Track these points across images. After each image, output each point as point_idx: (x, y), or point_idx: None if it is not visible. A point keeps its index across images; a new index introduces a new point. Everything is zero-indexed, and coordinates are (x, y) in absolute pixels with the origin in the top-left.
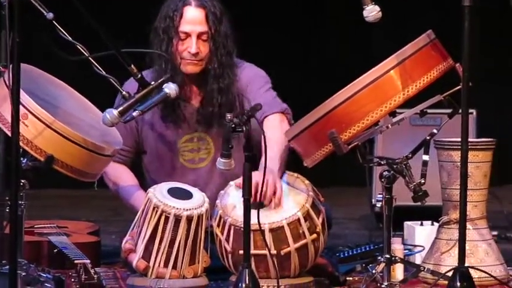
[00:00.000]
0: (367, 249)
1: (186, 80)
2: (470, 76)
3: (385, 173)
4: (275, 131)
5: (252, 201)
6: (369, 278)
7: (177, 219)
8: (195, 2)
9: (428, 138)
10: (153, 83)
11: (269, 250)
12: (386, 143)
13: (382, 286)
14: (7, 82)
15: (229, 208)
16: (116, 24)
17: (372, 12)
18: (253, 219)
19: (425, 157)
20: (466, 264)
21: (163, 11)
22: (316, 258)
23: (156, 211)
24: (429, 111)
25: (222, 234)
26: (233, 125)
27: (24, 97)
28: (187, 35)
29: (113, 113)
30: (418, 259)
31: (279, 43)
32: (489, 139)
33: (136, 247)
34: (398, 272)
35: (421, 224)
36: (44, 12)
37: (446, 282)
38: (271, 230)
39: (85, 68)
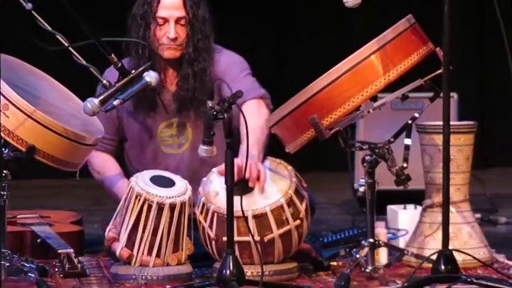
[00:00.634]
0: (351, 234)
1: (165, 66)
2: (451, 60)
3: (367, 158)
4: (254, 116)
5: (236, 182)
6: (352, 263)
7: (160, 207)
8: None
9: (410, 122)
10: (133, 71)
11: (253, 237)
12: (368, 127)
13: (366, 270)
14: None
15: (212, 195)
16: (94, 13)
17: None
18: (237, 206)
19: (408, 141)
20: (450, 247)
21: None
22: (299, 244)
23: (139, 199)
24: (410, 95)
25: (205, 221)
26: (214, 112)
27: (4, 88)
28: (165, 20)
29: (93, 102)
30: (401, 243)
31: (254, 28)
32: (471, 122)
33: (120, 236)
34: (382, 256)
35: (404, 208)
36: (23, 2)
37: (430, 265)
38: (255, 217)
39: (65, 58)
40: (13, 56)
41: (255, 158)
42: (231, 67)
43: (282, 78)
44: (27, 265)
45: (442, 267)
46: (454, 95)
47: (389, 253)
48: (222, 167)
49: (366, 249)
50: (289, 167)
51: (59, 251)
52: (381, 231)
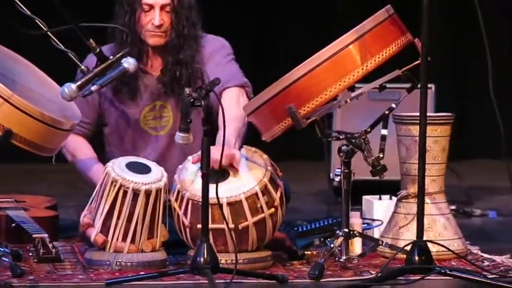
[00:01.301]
0: (326, 223)
1: (151, 52)
2: (429, 51)
3: (344, 148)
4: (233, 105)
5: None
6: (327, 252)
7: (136, 194)
8: None
9: (387, 112)
10: (111, 57)
11: (227, 224)
12: (345, 117)
13: (341, 260)
14: None
15: (188, 182)
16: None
17: None
18: (211, 194)
19: (384, 131)
20: (424, 238)
21: None
22: (274, 232)
23: (115, 185)
24: (388, 85)
25: (180, 208)
26: (192, 99)
27: None
28: (151, 6)
29: (71, 87)
30: (376, 233)
31: (235, 17)
32: (448, 114)
33: (95, 221)
34: (357, 246)
35: (380, 198)
36: None
37: (404, 256)
38: (229, 204)
39: (44, 43)
40: None
41: (231, 146)
42: (216, 52)
43: (263, 67)
44: (1, 249)
45: (416, 258)
46: (432, 86)
47: (363, 243)
48: (196, 156)
49: (341, 239)
50: (265, 156)
51: (34, 235)
52: (356, 221)
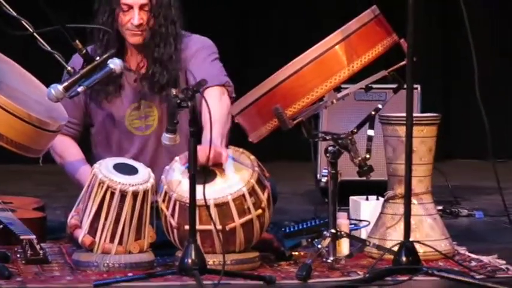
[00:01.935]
0: (313, 224)
1: (131, 50)
2: (415, 51)
3: (330, 148)
4: (216, 104)
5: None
6: (314, 253)
7: (123, 195)
8: None
9: (373, 113)
10: (97, 58)
11: (215, 225)
12: (331, 118)
13: (328, 261)
14: None
15: (175, 183)
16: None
17: None
18: (199, 195)
19: (370, 132)
20: (411, 239)
21: None
22: (261, 233)
23: (102, 186)
24: (374, 86)
25: (168, 209)
26: (178, 101)
27: None
28: (129, 6)
29: (57, 88)
30: (363, 234)
31: (219, 15)
32: (434, 114)
33: (82, 223)
34: (344, 246)
35: (367, 199)
36: None
37: (391, 256)
38: (217, 205)
39: (30, 44)
40: None
41: (217, 145)
42: (199, 51)
43: (247, 67)
44: None
45: (404, 258)
46: (418, 87)
47: (351, 244)
48: (183, 156)
49: (328, 240)
50: (252, 157)
51: (21, 237)
52: (343, 222)
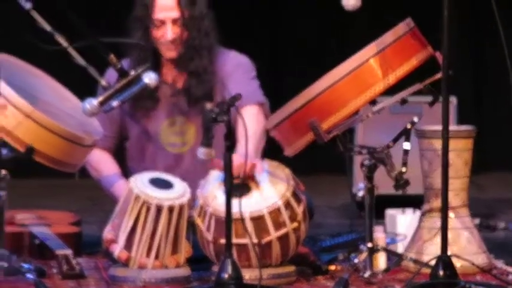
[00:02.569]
0: (349, 238)
1: (167, 64)
2: (450, 64)
3: (366, 162)
4: (252, 122)
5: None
6: (351, 267)
7: (159, 210)
8: None
9: (409, 126)
10: (132, 72)
11: (250, 239)
12: (366, 131)
13: (365, 275)
14: None
15: (210, 198)
16: (93, 14)
17: (350, 1)
18: (234, 209)
19: (406, 145)
20: (449, 253)
21: None
22: (297, 247)
23: (138, 201)
24: (409, 99)
25: (203, 223)
26: (213, 115)
27: (3, 87)
28: (162, 22)
29: (92, 103)
30: (400, 248)
31: (251, 27)
32: (470, 127)
33: (118, 237)
34: (381, 261)
35: (403, 213)
36: (22, 2)
37: (429, 270)
38: (252, 219)
39: (64, 58)
40: (12, 55)
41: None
42: (237, 69)
43: (279, 80)
44: (26, 266)
45: (441, 272)
46: (453, 100)
47: (387, 258)
48: (220, 163)
49: (365, 254)
50: (287, 170)
51: (57, 252)
52: (380, 236)
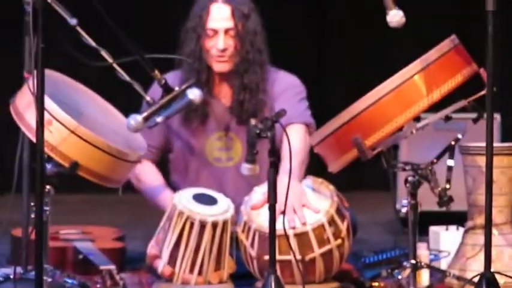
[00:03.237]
0: (393, 254)
1: (217, 78)
2: (495, 81)
3: (410, 179)
4: (297, 140)
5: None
6: (394, 284)
7: (202, 225)
8: None
9: (453, 143)
10: (176, 88)
11: (294, 255)
12: (410, 148)
13: None
14: (31, 88)
15: (254, 214)
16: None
17: (395, 17)
18: (278, 225)
19: (450, 162)
20: (492, 270)
21: (193, 10)
22: (341, 263)
23: (181, 217)
24: (453, 116)
25: (247, 240)
26: (258, 131)
27: (48, 103)
28: (215, 32)
29: (137, 118)
30: (443, 264)
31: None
32: None
33: (162, 253)
34: (424, 277)
35: (446, 229)
36: (68, 18)
37: (472, 287)
38: (296, 236)
39: (108, 73)
40: (57, 71)
41: (296, 177)
42: (287, 89)
43: (324, 95)
44: (69, 281)
45: None
46: (497, 116)
47: (431, 275)
48: (257, 201)
49: (408, 271)
50: (331, 187)
51: (101, 267)
52: (423, 253)
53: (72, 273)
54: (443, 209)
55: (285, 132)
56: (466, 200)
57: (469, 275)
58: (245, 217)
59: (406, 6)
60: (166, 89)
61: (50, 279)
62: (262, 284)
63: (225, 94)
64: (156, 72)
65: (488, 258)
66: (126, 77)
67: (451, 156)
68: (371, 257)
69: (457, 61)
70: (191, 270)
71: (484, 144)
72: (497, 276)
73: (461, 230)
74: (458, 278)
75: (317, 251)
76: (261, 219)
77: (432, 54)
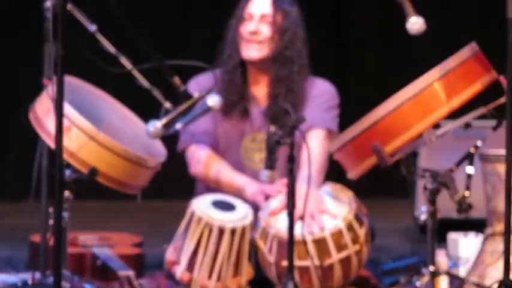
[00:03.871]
0: (411, 261)
1: (255, 76)
2: None
3: (429, 186)
4: (315, 146)
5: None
6: None
7: (221, 232)
8: None
9: (472, 150)
10: (195, 94)
11: (312, 261)
12: (430, 155)
13: None
14: (51, 95)
15: (273, 219)
16: (157, 37)
17: (415, 24)
18: (297, 231)
19: (470, 169)
20: (511, 277)
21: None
22: (359, 269)
23: (200, 223)
24: (473, 123)
25: (265, 245)
26: (277, 137)
27: (67, 109)
28: (251, 16)
29: (156, 125)
30: (462, 272)
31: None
32: None
33: (180, 259)
34: (443, 284)
35: (465, 236)
36: (87, 24)
37: None
38: (314, 241)
39: (128, 80)
40: (76, 77)
41: (315, 184)
42: (322, 94)
43: (344, 102)
44: (88, 287)
45: None
46: None
47: (450, 282)
48: (275, 207)
49: (427, 278)
50: (350, 193)
51: (120, 273)
52: (442, 260)
53: (90, 279)
54: (462, 216)
55: (304, 139)
56: (486, 207)
57: (487, 282)
58: (263, 223)
59: (426, 13)
60: (186, 96)
61: (68, 285)
62: None
63: (261, 96)
64: (176, 78)
65: (507, 266)
66: (146, 84)
67: (471, 164)
68: (389, 264)
69: (476, 68)
70: (209, 276)
71: (503, 151)
72: None
73: (480, 236)
74: (477, 285)
75: (335, 257)
76: (279, 225)
77: (451, 61)
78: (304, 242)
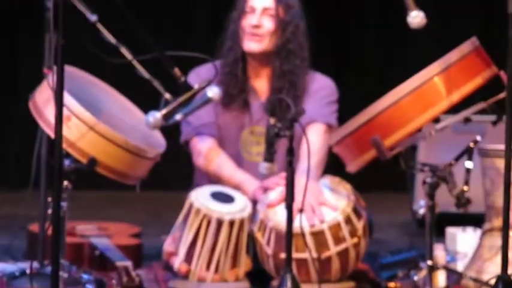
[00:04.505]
0: (409, 255)
1: (255, 70)
2: None
3: (428, 180)
4: (315, 140)
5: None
6: (410, 285)
7: (219, 223)
8: None
9: (471, 145)
10: (196, 86)
11: (310, 254)
12: (429, 149)
13: None
14: (51, 84)
15: (271, 212)
16: (158, 27)
17: (416, 18)
18: (295, 223)
19: (469, 164)
20: (509, 272)
21: None
22: (357, 262)
23: (199, 215)
24: (473, 118)
25: (263, 238)
26: (276, 130)
27: (67, 99)
28: (253, 9)
29: (156, 116)
30: (460, 266)
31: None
32: None
33: (178, 250)
34: (441, 279)
35: (463, 231)
36: (88, 14)
37: None
38: (312, 234)
39: (128, 70)
40: (77, 67)
41: (314, 177)
42: (321, 89)
43: (344, 96)
44: (85, 277)
45: None
46: None
47: (447, 276)
48: (274, 201)
49: (424, 272)
50: (348, 186)
51: (117, 263)
52: (440, 254)
53: (88, 269)
54: (461, 210)
55: (304, 132)
56: (484, 202)
57: (485, 277)
58: (261, 215)
59: (427, 7)
60: (186, 87)
61: (66, 275)
62: (278, 282)
63: (262, 89)
64: (176, 69)
65: (505, 261)
66: (146, 74)
67: (470, 158)
68: (387, 258)
69: (477, 63)
70: (207, 268)
71: (503, 146)
72: None
73: (479, 231)
74: (475, 280)
75: (333, 250)
76: (277, 217)
77: (452, 55)
78: (302, 235)
